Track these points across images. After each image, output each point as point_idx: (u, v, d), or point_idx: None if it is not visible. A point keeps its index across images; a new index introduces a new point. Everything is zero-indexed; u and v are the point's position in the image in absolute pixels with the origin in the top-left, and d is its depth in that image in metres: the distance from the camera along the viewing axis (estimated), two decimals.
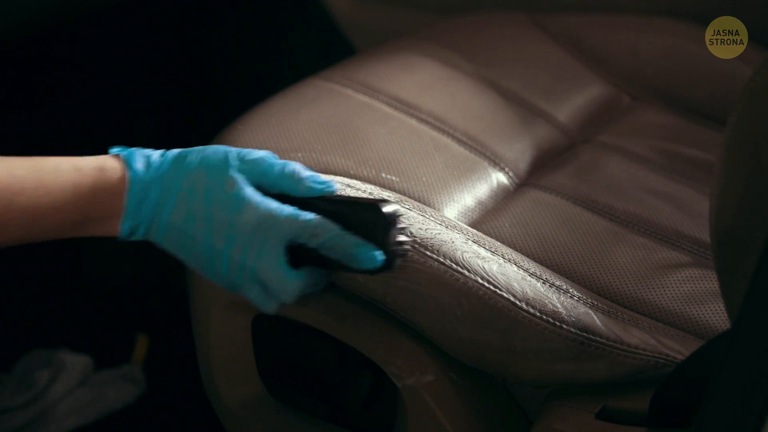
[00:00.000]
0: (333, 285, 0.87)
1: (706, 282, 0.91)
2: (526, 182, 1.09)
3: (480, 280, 0.82)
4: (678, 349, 0.82)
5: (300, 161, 0.99)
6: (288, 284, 0.78)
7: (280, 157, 0.99)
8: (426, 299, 0.83)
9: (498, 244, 0.90)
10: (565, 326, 0.80)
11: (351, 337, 0.89)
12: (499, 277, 0.82)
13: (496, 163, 1.09)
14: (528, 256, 0.91)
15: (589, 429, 0.78)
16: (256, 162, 0.80)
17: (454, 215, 0.98)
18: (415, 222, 0.87)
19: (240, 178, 0.79)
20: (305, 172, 0.81)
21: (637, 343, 0.81)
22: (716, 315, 0.87)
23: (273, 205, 0.78)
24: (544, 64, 1.34)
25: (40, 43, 1.59)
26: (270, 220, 0.77)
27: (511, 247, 0.91)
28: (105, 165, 0.78)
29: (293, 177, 0.81)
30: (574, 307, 0.83)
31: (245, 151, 0.81)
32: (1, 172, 0.74)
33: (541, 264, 0.90)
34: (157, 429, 1.44)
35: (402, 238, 0.80)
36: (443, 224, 0.89)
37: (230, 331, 0.99)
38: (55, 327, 1.55)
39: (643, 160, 1.15)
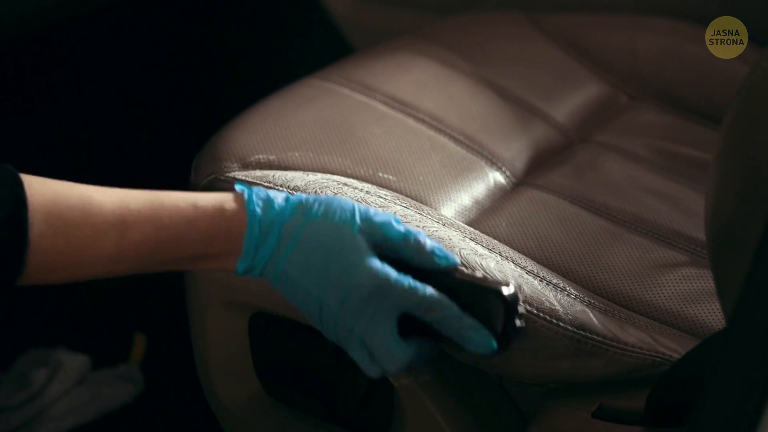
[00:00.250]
0: None
1: (703, 281, 0.91)
2: (523, 181, 1.09)
3: None
4: (674, 347, 0.82)
5: (297, 160, 1.00)
6: (395, 356, 0.76)
7: (279, 157, 1.00)
8: None
9: (495, 242, 0.90)
10: (562, 324, 0.80)
11: None
12: (497, 274, 0.82)
13: (494, 162, 1.09)
14: (525, 255, 0.91)
15: (586, 428, 0.78)
16: (381, 226, 0.77)
17: (451, 214, 0.98)
18: (413, 220, 0.87)
19: (361, 240, 0.76)
20: (429, 243, 0.78)
21: (633, 341, 0.81)
22: (713, 314, 0.87)
23: (392, 273, 0.75)
24: (541, 63, 1.33)
25: (40, 43, 1.59)
26: (387, 288, 0.74)
27: (508, 246, 0.91)
28: (224, 205, 0.77)
29: (416, 247, 0.77)
30: (572, 305, 0.83)
31: (372, 212, 0.77)
32: (117, 204, 0.74)
33: (539, 263, 0.90)
34: (154, 428, 1.44)
35: (520, 323, 0.77)
36: (440, 222, 0.89)
37: (227, 331, 0.99)
38: (52, 326, 1.55)
39: (641, 160, 1.15)
